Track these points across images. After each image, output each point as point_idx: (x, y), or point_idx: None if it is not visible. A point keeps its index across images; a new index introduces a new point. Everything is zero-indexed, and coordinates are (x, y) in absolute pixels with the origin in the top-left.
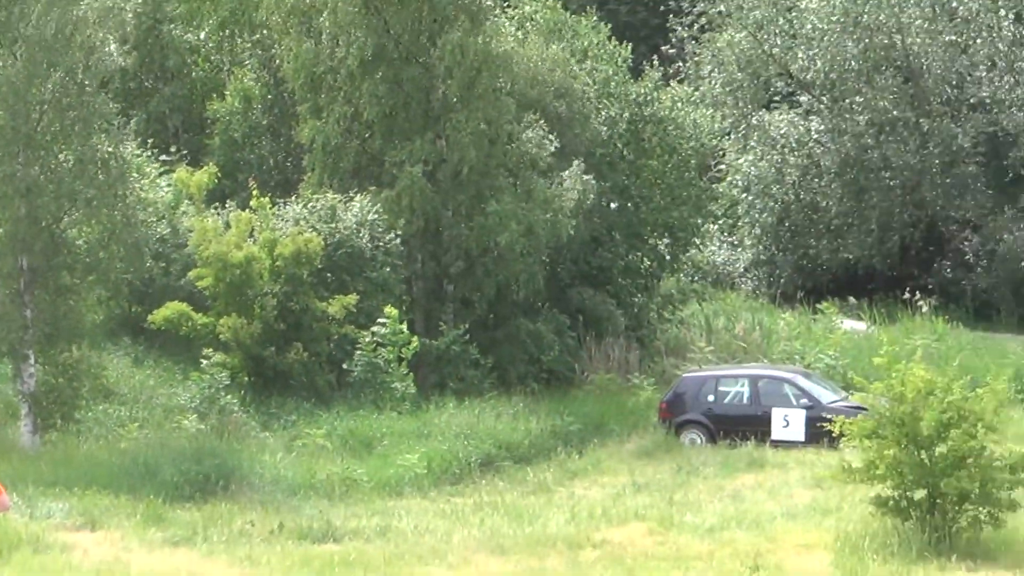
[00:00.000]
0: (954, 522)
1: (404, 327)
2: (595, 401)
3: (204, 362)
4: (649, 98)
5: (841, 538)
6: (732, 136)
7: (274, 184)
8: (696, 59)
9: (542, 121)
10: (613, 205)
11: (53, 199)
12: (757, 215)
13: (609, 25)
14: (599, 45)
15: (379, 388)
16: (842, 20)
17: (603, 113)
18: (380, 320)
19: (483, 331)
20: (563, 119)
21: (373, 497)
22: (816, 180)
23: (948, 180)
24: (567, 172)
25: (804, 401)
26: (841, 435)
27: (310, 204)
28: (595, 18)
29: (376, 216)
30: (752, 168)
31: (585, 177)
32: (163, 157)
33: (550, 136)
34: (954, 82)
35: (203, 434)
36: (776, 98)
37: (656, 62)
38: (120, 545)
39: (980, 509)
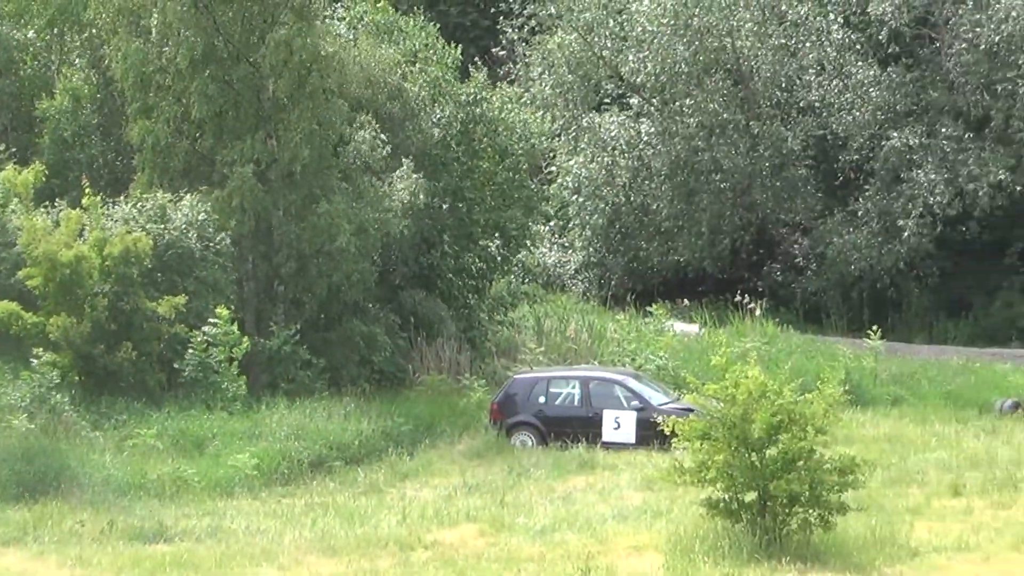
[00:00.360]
0: (784, 524)
1: (235, 327)
2: (426, 402)
3: (34, 361)
4: (478, 98)
5: (672, 540)
6: (563, 138)
7: (104, 184)
8: (526, 61)
9: (374, 122)
10: (445, 206)
11: None
12: (588, 217)
13: (438, 26)
14: (429, 46)
15: (210, 388)
16: (672, 23)
17: (437, 114)
18: (211, 320)
19: (314, 332)
20: (396, 120)
21: (204, 497)
22: (647, 182)
23: (778, 183)
24: (397, 172)
25: (635, 403)
26: (673, 435)
27: (139, 204)
28: (423, 19)
29: (205, 216)
30: (583, 170)
31: (414, 176)
32: None
33: (382, 137)
34: (783, 85)
35: (33, 434)
36: (606, 100)
37: (480, 63)
38: None
39: (810, 511)
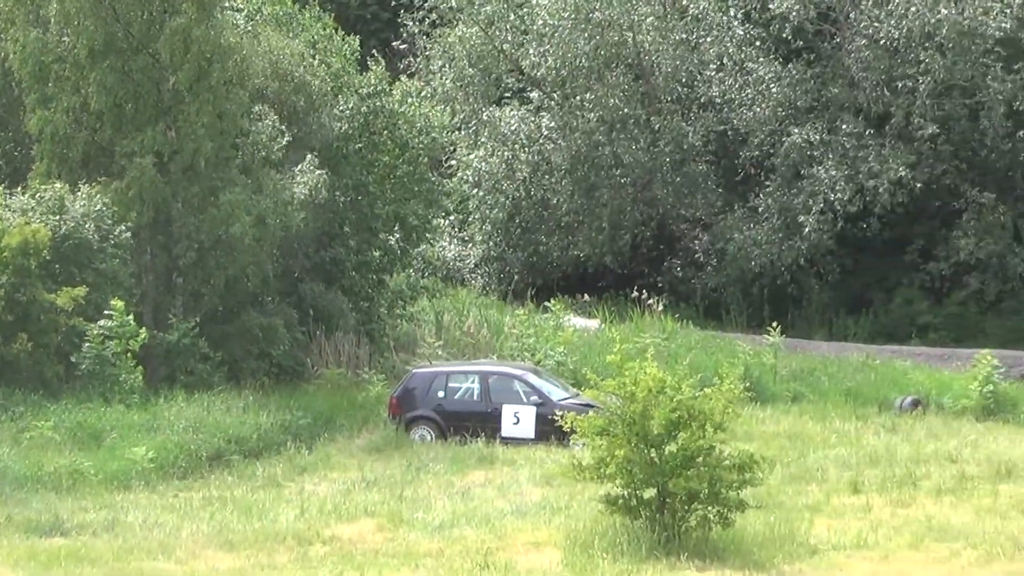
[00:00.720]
0: (683, 521)
1: (131, 319)
2: (325, 396)
3: None
4: (377, 90)
5: (571, 536)
6: (463, 132)
7: (3, 175)
8: (427, 54)
9: (273, 114)
10: (347, 200)
11: None
12: (488, 211)
13: (335, 16)
14: (328, 38)
15: (107, 381)
16: (573, 17)
17: (340, 105)
18: (106, 312)
19: (214, 325)
20: (300, 113)
21: (101, 490)
22: (547, 177)
23: (679, 178)
24: (299, 166)
25: (534, 398)
26: (572, 431)
27: (38, 194)
28: (318, 10)
29: (104, 207)
30: (483, 164)
31: (317, 172)
32: None
33: (282, 129)
34: (684, 80)
35: None
36: (507, 94)
37: (380, 56)
38: None
39: (709, 508)
